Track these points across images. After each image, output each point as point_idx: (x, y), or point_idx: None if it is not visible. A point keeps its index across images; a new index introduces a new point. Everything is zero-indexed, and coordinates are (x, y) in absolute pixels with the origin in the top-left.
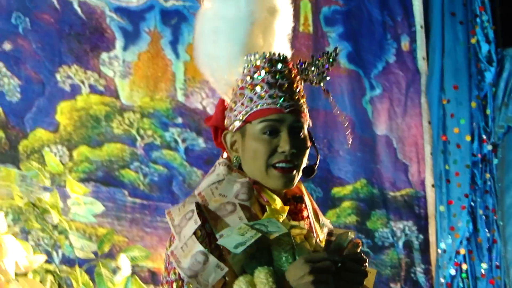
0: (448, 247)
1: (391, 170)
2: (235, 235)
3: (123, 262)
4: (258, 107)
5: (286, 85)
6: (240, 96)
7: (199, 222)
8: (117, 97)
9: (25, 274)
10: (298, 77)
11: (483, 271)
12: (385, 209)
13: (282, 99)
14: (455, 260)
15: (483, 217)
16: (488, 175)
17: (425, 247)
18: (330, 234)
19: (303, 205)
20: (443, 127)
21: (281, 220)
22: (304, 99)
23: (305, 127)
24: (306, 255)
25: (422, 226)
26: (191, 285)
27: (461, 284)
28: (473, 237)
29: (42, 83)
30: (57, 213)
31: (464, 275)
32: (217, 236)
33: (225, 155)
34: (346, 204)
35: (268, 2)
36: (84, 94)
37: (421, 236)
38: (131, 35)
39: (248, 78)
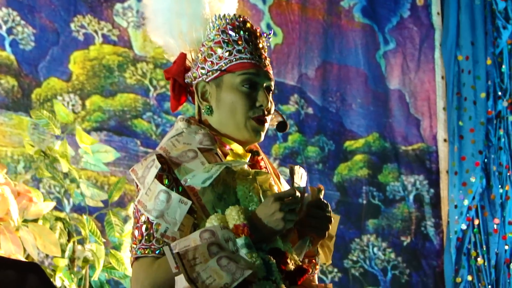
0: (459, 202)
1: (403, 124)
2: (200, 174)
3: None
4: (239, 60)
5: (260, 46)
6: (216, 49)
7: (159, 166)
8: (130, 47)
9: (34, 221)
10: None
11: (495, 227)
12: (397, 163)
13: (259, 57)
14: (467, 215)
15: (497, 173)
16: (502, 132)
17: (436, 201)
18: (291, 169)
19: (260, 158)
20: (457, 83)
21: (244, 164)
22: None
23: None
24: (273, 193)
25: (433, 181)
26: (159, 226)
27: (472, 239)
28: (486, 193)
29: (56, 32)
30: (67, 162)
31: (475, 230)
32: (182, 180)
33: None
34: (358, 157)
35: None
36: (97, 44)
37: (432, 191)
38: None
39: (224, 34)
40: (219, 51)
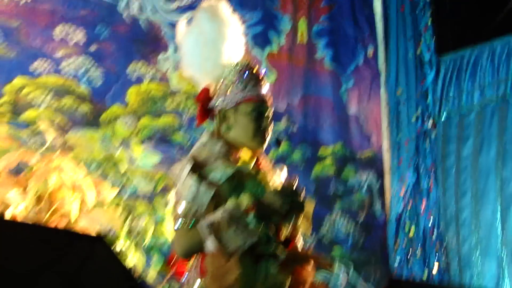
0: (397, 192)
1: (358, 138)
2: (219, 172)
3: (172, 196)
4: (250, 95)
5: (263, 85)
6: (233, 86)
7: (192, 163)
8: (169, 84)
9: (103, 204)
10: None
11: (422, 209)
12: (354, 165)
13: (263, 93)
14: (403, 201)
15: (424, 172)
16: (427, 143)
17: (381, 191)
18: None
19: (259, 161)
20: (396, 110)
21: (250, 166)
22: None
23: None
24: (276, 189)
25: (380, 177)
26: (192, 207)
27: (407, 219)
28: (416, 185)
29: (117, 74)
30: (124, 165)
31: (409, 211)
32: (207, 176)
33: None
34: (328, 160)
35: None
36: (146, 82)
37: (379, 184)
38: None
39: (238, 76)
40: (236, 88)
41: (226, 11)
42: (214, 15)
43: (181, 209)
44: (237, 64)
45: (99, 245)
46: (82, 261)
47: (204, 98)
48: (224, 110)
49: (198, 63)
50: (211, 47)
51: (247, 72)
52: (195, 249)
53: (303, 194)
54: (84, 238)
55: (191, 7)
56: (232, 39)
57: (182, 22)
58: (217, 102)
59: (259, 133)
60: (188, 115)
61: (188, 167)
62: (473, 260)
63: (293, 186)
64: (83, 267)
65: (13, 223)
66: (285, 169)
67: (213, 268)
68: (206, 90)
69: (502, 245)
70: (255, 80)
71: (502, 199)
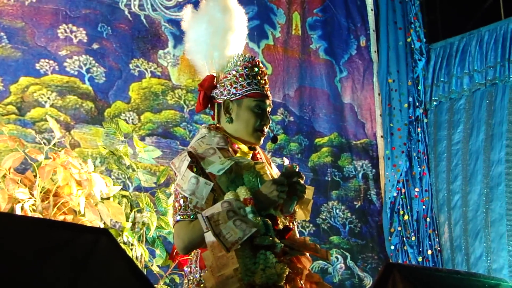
0: (391, 177)
1: (353, 126)
2: (217, 165)
3: (173, 189)
4: (255, 90)
5: (266, 81)
6: (239, 79)
7: (189, 159)
8: (169, 79)
9: (107, 198)
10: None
11: (416, 193)
12: (350, 153)
13: (265, 90)
14: (397, 186)
15: (416, 158)
16: (419, 130)
17: (376, 178)
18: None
19: (257, 152)
20: (389, 98)
21: (247, 158)
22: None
23: None
24: (272, 179)
25: (374, 164)
26: (192, 200)
27: (401, 202)
28: (409, 171)
29: (120, 71)
30: (128, 158)
31: (403, 196)
32: (206, 169)
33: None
34: (324, 149)
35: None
36: (147, 77)
37: (374, 171)
38: (179, 38)
39: (246, 69)
40: (242, 81)
41: (235, 2)
42: (225, 5)
43: (181, 202)
44: (243, 57)
45: (105, 238)
46: (88, 253)
47: (208, 86)
48: (228, 102)
49: (206, 51)
50: (221, 37)
51: (252, 66)
52: (196, 242)
53: (303, 180)
54: (90, 230)
55: (190, 2)
56: (239, 31)
57: (187, 9)
58: (220, 92)
59: (259, 128)
60: (189, 108)
61: (187, 160)
62: (463, 242)
63: (293, 172)
64: (89, 259)
65: (22, 217)
66: (285, 159)
67: (212, 260)
68: (210, 78)
69: (486, 224)
70: (260, 75)
71: (488, 180)
